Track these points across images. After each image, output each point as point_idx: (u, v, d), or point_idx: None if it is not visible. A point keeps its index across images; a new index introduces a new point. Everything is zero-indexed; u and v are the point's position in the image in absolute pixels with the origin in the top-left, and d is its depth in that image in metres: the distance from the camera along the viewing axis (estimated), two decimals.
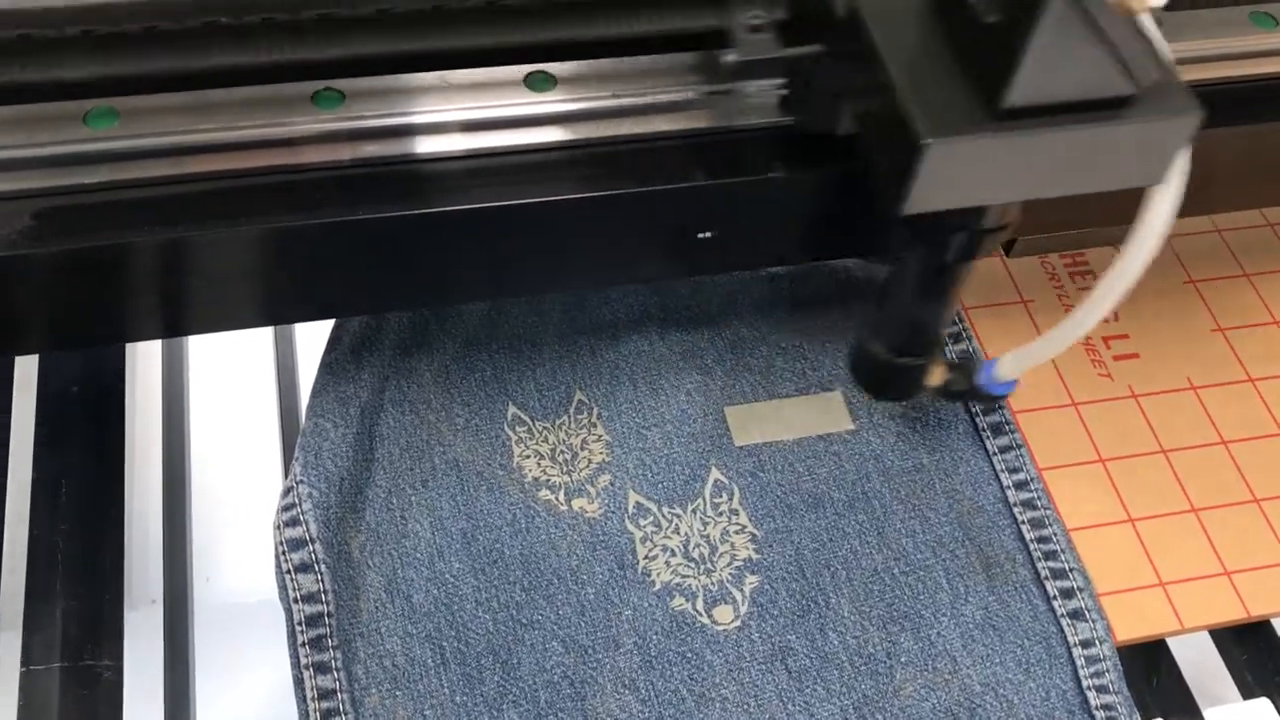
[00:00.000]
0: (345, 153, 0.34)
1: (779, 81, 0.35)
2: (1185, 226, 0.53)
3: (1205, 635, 0.43)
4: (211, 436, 0.47)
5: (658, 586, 0.41)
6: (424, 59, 0.35)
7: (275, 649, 0.40)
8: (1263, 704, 0.42)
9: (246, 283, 0.37)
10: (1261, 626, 0.43)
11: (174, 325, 0.39)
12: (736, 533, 0.42)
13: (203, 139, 0.34)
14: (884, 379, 0.40)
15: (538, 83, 0.35)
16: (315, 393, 0.43)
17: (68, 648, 0.40)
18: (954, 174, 0.29)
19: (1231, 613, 0.42)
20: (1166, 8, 0.42)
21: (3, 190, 0.33)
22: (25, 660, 0.40)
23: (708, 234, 0.38)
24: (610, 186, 0.35)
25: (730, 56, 0.34)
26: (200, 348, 0.50)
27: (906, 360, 0.39)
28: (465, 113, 0.35)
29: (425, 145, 0.35)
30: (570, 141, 0.35)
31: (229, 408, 0.48)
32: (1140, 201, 0.31)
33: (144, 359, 0.48)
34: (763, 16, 0.35)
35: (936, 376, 0.40)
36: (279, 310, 0.41)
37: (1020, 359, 0.38)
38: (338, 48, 0.34)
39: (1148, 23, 0.28)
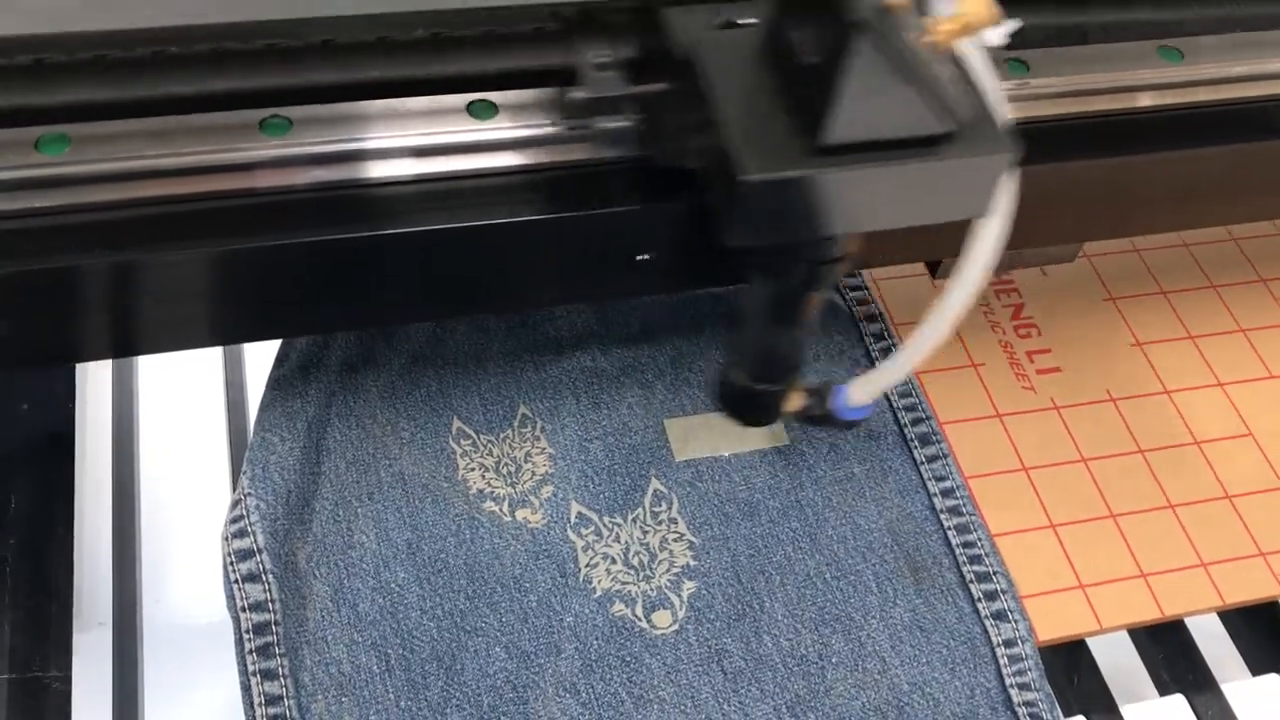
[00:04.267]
0: (293, 178, 0.36)
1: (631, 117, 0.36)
2: (1106, 247, 0.56)
3: (1123, 635, 0.45)
4: (161, 455, 0.48)
5: (598, 593, 0.43)
6: (370, 88, 0.36)
7: (225, 669, 0.40)
8: (1178, 700, 0.44)
9: (196, 304, 0.38)
10: (1176, 626, 0.45)
11: (124, 346, 0.40)
12: (675, 540, 0.44)
13: (152, 164, 0.35)
14: (744, 404, 0.41)
15: (480, 110, 0.36)
16: (263, 407, 0.44)
17: (15, 659, 0.41)
18: (774, 208, 0.30)
19: (1147, 613, 0.44)
20: (1076, 41, 0.44)
21: None
22: None
23: (646, 256, 0.39)
24: (546, 210, 0.37)
25: (579, 93, 0.35)
26: (150, 367, 0.51)
27: (764, 387, 0.39)
28: (409, 139, 0.36)
29: (370, 170, 0.36)
30: (511, 167, 0.37)
31: (179, 426, 0.49)
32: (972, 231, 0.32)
33: (94, 378, 0.49)
34: (609, 55, 0.36)
35: (794, 402, 0.40)
36: (228, 331, 0.42)
37: (868, 385, 0.38)
38: (285, 76, 0.35)
39: (978, 61, 0.29)
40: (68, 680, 0.41)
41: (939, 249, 0.44)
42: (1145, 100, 0.43)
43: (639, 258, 0.39)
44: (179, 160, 0.35)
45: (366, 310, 0.40)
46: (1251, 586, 0.45)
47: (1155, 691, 0.45)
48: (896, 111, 0.28)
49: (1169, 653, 0.45)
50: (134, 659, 0.46)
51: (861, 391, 0.38)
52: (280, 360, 0.45)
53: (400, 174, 0.37)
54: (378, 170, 0.36)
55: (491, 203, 0.37)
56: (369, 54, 0.35)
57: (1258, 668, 0.45)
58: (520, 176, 0.37)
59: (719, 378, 0.40)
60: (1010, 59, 0.40)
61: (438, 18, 0.35)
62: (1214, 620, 0.46)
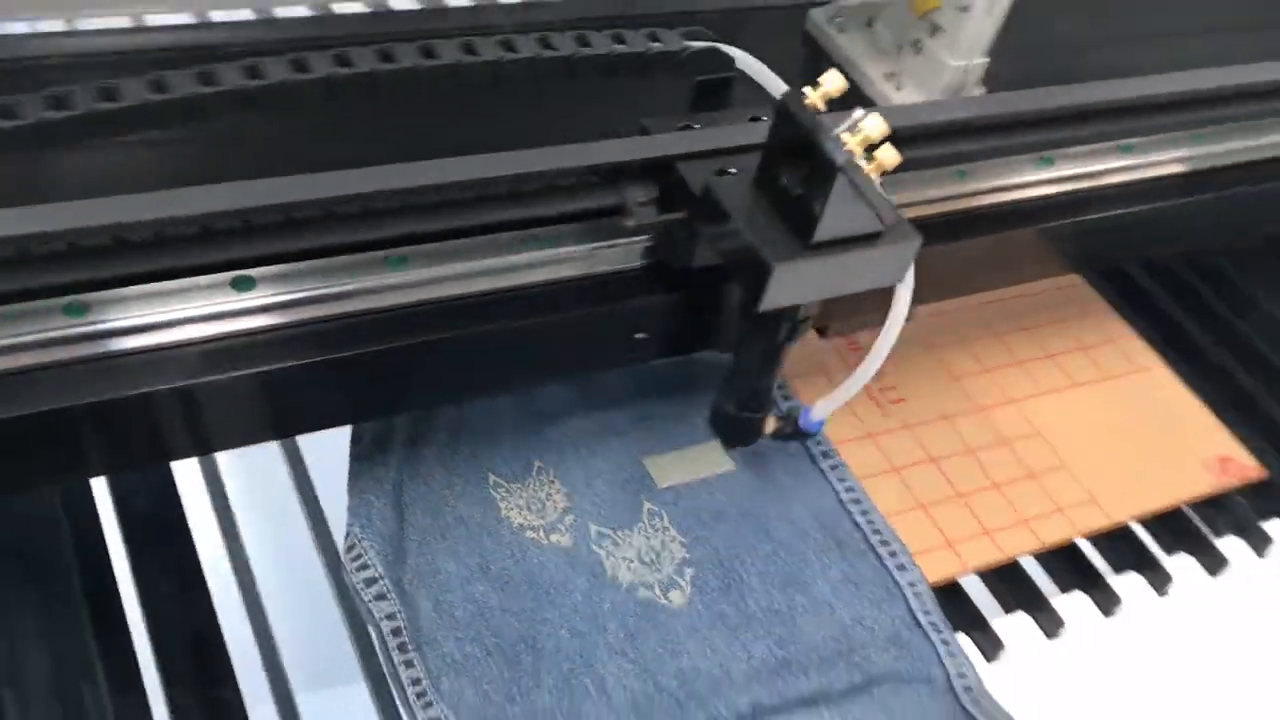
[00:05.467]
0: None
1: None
2: (922, 311, 0.76)
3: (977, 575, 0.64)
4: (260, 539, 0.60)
5: (625, 585, 0.58)
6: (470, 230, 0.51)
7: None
8: (1020, 616, 0.63)
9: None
10: (1013, 565, 0.64)
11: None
12: (671, 542, 0.60)
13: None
14: (734, 430, 0.58)
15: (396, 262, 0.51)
16: (353, 475, 0.58)
17: None
18: (788, 284, 0.48)
19: (993, 557, 0.63)
20: (900, 169, 0.65)
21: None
22: None
23: (643, 334, 0.56)
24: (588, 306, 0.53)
25: (629, 221, 0.53)
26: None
27: (748, 414, 0.57)
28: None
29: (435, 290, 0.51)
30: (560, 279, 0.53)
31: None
32: (890, 295, 0.51)
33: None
34: (645, 195, 0.54)
35: (771, 425, 0.58)
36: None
37: (826, 406, 0.55)
38: (412, 223, 0.50)
39: (877, 186, 0.47)
40: None
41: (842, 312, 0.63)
42: (946, 207, 0.64)
43: (638, 335, 0.56)
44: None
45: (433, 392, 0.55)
46: (1057, 532, 0.65)
47: (1003, 610, 0.63)
48: (855, 219, 0.47)
49: (1010, 583, 0.64)
50: None
51: (822, 411, 0.56)
52: (356, 440, 0.59)
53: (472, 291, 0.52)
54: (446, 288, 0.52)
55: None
56: (471, 205, 0.51)
57: (1066, 587, 0.65)
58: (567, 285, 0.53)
59: (714, 411, 0.57)
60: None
61: (518, 177, 0.51)
62: (1033, 560, 0.66)
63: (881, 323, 0.71)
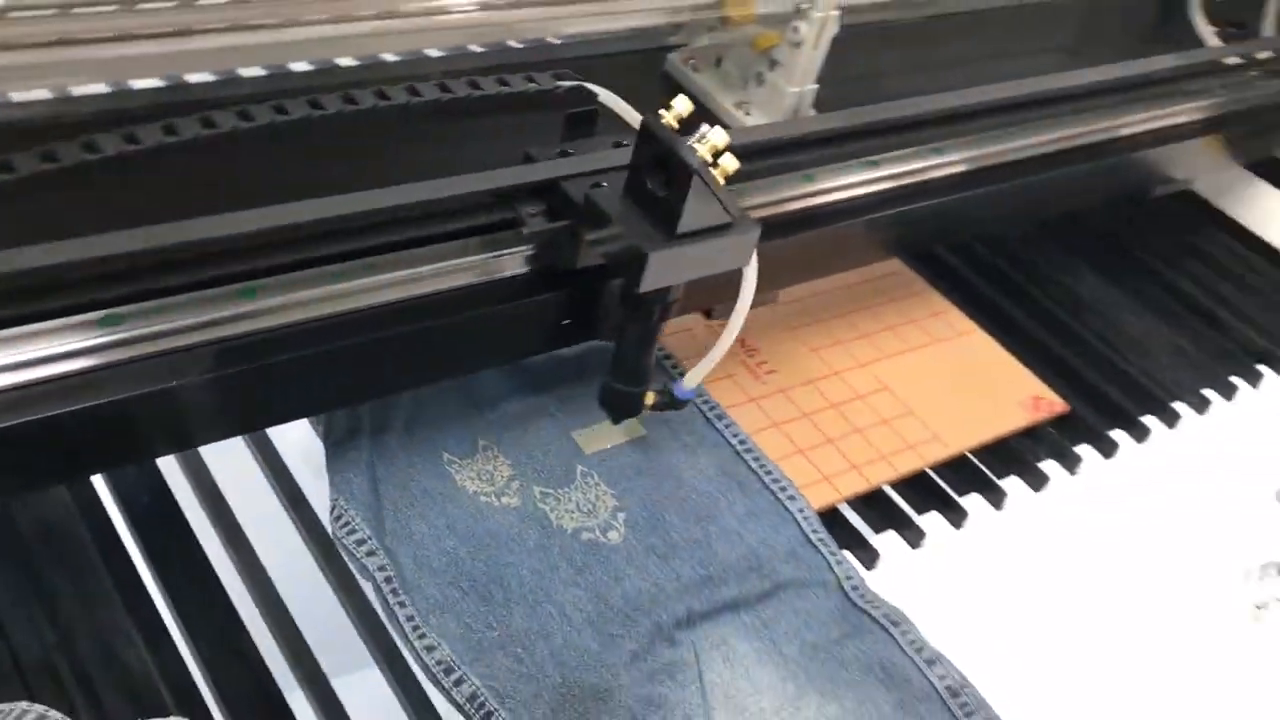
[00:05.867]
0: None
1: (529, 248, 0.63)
2: (787, 294, 0.91)
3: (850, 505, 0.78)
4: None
5: (569, 530, 0.69)
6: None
7: None
8: (889, 535, 0.77)
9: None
10: (877, 492, 0.78)
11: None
12: (603, 495, 0.71)
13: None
14: (619, 404, 0.68)
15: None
16: (332, 459, 0.67)
17: None
18: (660, 269, 0.59)
19: (862, 486, 0.77)
20: (757, 175, 0.78)
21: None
22: None
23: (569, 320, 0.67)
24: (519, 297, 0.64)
25: (525, 231, 0.63)
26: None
27: (631, 389, 0.67)
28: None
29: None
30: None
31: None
32: (739, 278, 0.64)
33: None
34: (537, 208, 0.64)
35: (651, 398, 0.68)
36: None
37: (694, 376, 0.67)
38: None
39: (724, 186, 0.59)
40: None
41: (713, 299, 0.76)
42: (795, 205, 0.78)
43: (564, 322, 0.68)
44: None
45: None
46: (910, 463, 0.80)
47: (874, 531, 0.77)
48: (708, 214, 0.58)
49: (878, 508, 0.78)
50: None
51: (691, 380, 0.68)
52: (329, 431, 0.68)
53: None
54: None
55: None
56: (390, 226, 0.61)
57: (922, 509, 0.79)
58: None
59: (601, 389, 0.68)
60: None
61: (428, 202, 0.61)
62: (893, 489, 0.80)
63: (759, 304, 0.85)
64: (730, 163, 0.59)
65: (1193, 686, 0.71)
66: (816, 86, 0.82)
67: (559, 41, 0.85)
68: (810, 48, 0.80)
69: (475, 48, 0.80)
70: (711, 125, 0.59)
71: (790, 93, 0.81)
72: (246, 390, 0.58)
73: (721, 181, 0.59)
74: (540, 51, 0.83)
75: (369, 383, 0.63)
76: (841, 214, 0.79)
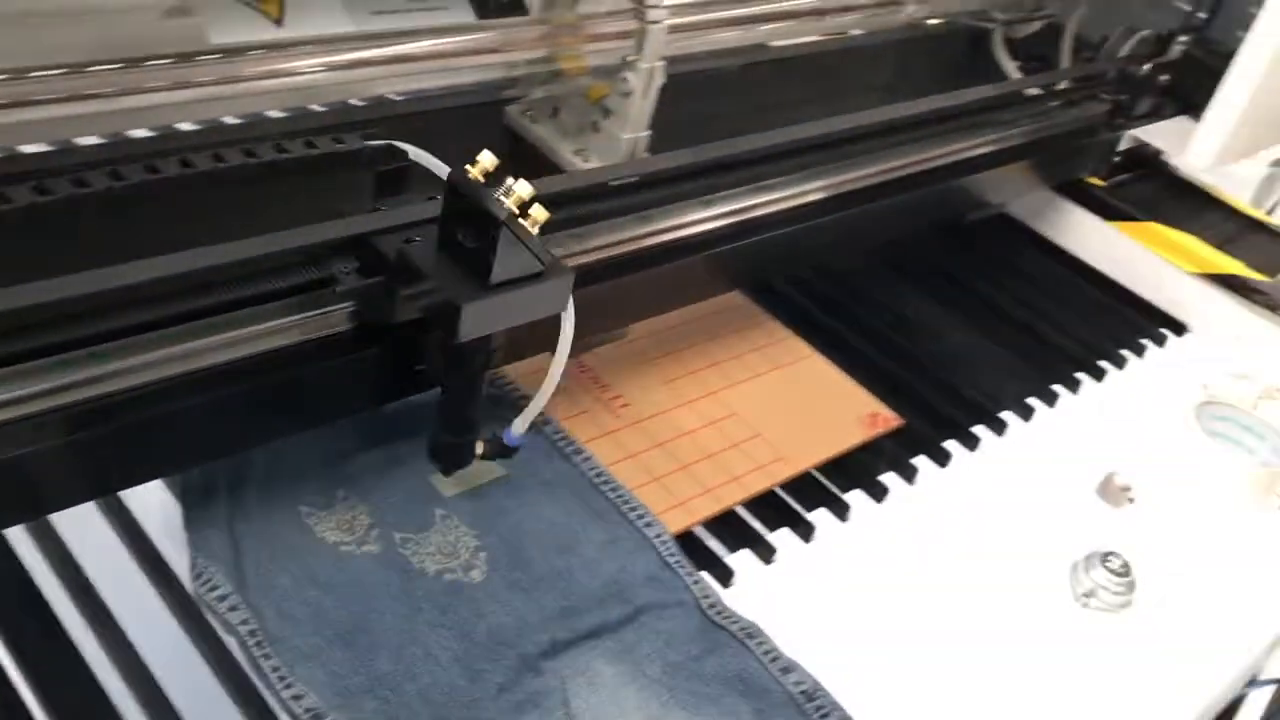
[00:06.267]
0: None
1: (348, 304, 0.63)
2: (640, 329, 0.94)
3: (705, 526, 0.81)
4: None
5: (431, 573, 0.71)
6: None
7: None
8: (743, 553, 0.81)
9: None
10: (729, 513, 0.82)
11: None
12: (464, 536, 0.73)
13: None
14: (449, 456, 0.68)
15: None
16: (188, 519, 0.67)
17: None
18: (476, 319, 0.58)
19: (715, 507, 0.81)
20: (596, 218, 0.81)
21: None
22: None
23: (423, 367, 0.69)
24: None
25: (338, 288, 0.63)
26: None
27: (462, 439, 0.68)
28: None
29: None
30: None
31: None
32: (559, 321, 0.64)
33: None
34: (349, 265, 0.65)
35: (481, 447, 0.69)
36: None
37: (521, 423, 0.69)
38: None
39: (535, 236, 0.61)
40: None
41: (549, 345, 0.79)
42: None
43: (418, 368, 0.70)
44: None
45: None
46: (759, 484, 0.84)
47: (729, 549, 0.81)
48: (519, 263, 0.61)
49: (731, 528, 0.81)
50: None
51: (519, 427, 0.70)
52: (186, 490, 0.69)
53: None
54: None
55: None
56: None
57: (773, 526, 0.83)
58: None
59: (431, 442, 0.70)
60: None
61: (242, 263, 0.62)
62: (745, 510, 0.83)
63: (611, 340, 0.88)
64: (540, 212, 0.61)
65: (1030, 672, 0.77)
66: (649, 133, 0.87)
67: (399, 98, 0.87)
68: (640, 97, 0.84)
69: (316, 107, 0.82)
70: (517, 179, 0.60)
71: (624, 139, 0.85)
72: (85, 455, 0.58)
73: (534, 231, 0.61)
74: (382, 108, 0.85)
75: (211, 443, 0.64)
76: (680, 251, 0.84)
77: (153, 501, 0.70)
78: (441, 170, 0.70)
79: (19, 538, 0.69)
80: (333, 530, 0.71)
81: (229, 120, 0.82)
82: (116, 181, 0.65)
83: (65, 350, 0.57)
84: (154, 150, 0.69)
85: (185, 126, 0.79)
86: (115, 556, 0.70)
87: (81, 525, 0.69)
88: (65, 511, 0.66)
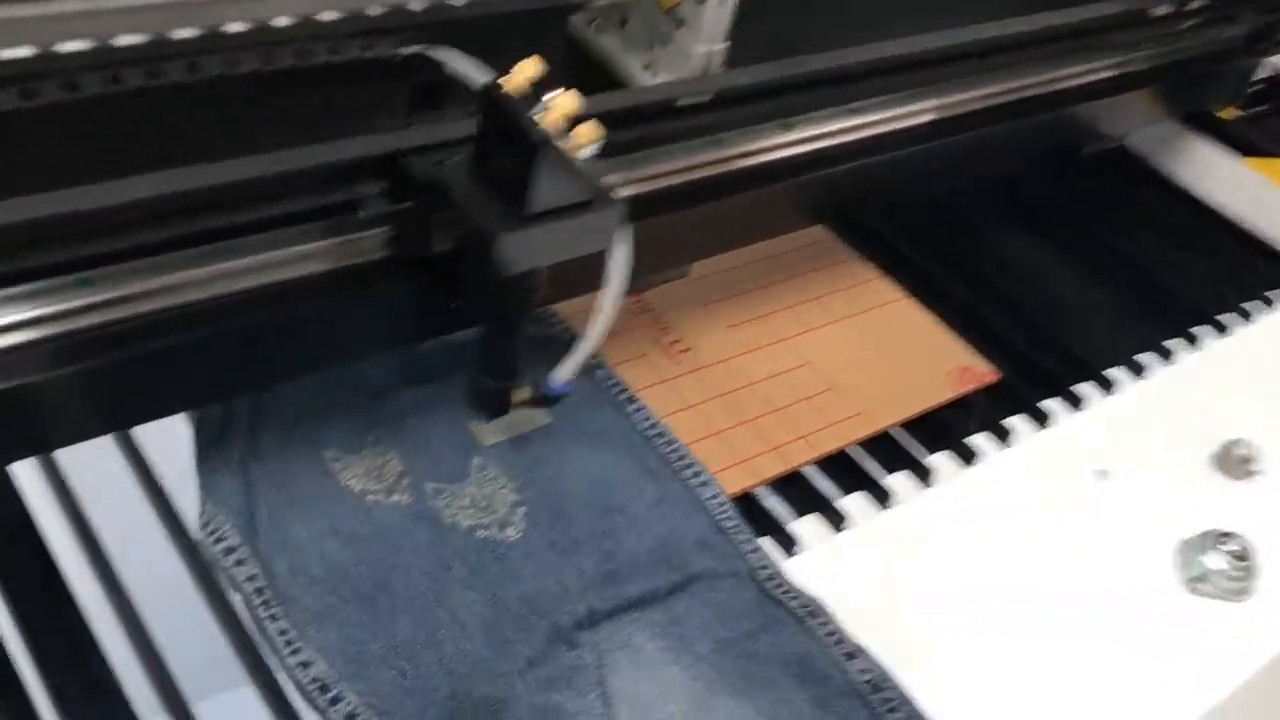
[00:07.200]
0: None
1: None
2: (700, 268, 0.86)
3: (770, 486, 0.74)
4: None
5: (464, 528, 0.64)
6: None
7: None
8: (810, 519, 0.73)
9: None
10: (796, 474, 0.74)
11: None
12: (501, 489, 0.67)
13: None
14: (487, 402, 0.63)
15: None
16: (200, 459, 0.62)
17: None
18: (513, 253, 0.52)
19: (780, 467, 0.73)
20: (664, 141, 0.73)
21: None
22: None
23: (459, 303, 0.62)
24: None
25: (362, 214, 0.57)
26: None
27: (499, 385, 0.62)
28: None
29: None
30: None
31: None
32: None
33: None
34: (376, 188, 0.58)
35: (520, 394, 0.63)
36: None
37: (566, 369, 0.60)
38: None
39: (590, 160, 0.53)
40: None
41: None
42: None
43: (453, 305, 0.63)
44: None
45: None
46: (832, 441, 0.76)
47: (794, 514, 0.73)
48: (560, 191, 0.53)
49: (798, 490, 0.74)
50: None
51: (565, 372, 0.62)
52: (200, 426, 0.63)
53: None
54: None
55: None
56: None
57: (847, 490, 0.75)
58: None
59: (469, 386, 0.63)
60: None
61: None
62: (814, 468, 0.76)
63: (669, 279, 0.80)
64: (590, 131, 0.53)
65: (1127, 665, 0.69)
66: (726, 44, 0.77)
67: (460, 4, 0.79)
68: (716, 4, 0.75)
69: (372, 10, 0.75)
70: (562, 89, 0.52)
71: (698, 53, 0.76)
72: (97, 387, 0.54)
73: (583, 153, 0.53)
74: (440, 12, 0.77)
75: (228, 377, 0.58)
76: (755, 179, 0.75)
77: (168, 441, 0.65)
78: (477, 81, 0.62)
79: (22, 472, 0.64)
80: (359, 477, 0.65)
81: (279, 22, 0.75)
82: (71, 92, 0.58)
83: (70, 271, 0.51)
84: (149, 55, 0.62)
85: (233, 27, 0.73)
86: (125, 499, 0.65)
87: (90, 463, 0.64)
88: (73, 447, 0.61)
